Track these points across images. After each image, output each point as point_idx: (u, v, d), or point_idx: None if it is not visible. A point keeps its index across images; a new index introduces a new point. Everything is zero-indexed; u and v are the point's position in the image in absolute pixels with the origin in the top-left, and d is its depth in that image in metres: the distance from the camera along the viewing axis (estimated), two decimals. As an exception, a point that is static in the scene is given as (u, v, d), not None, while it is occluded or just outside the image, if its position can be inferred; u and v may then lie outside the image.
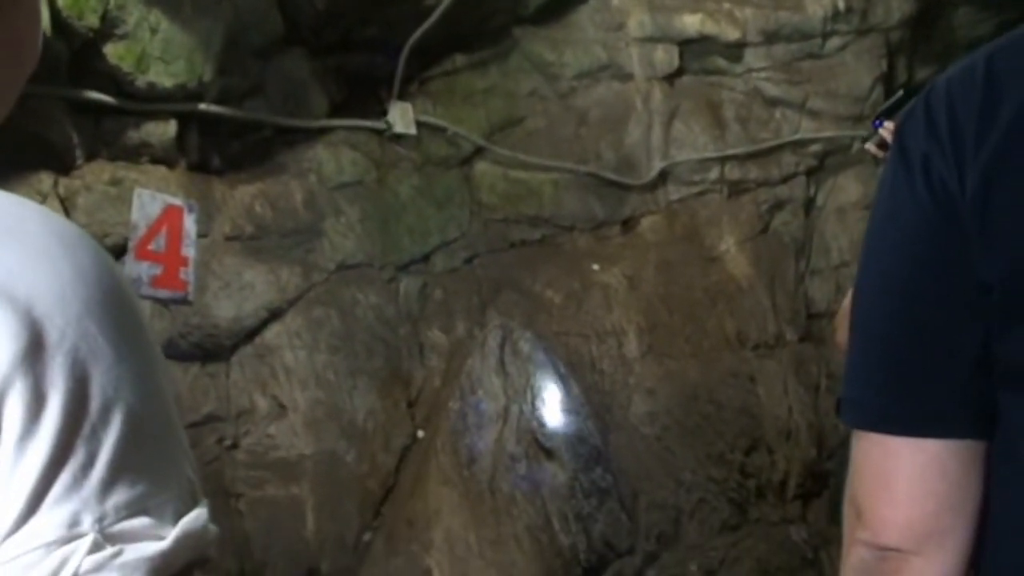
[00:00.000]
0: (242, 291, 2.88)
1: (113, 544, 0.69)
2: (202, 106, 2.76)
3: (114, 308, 0.75)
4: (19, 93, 0.92)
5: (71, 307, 0.72)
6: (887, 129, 2.77)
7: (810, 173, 4.04)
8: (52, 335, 0.71)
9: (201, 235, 2.79)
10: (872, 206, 1.28)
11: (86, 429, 0.71)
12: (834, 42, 4.04)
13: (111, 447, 0.71)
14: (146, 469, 0.73)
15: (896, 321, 1.20)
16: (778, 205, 3.95)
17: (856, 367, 1.23)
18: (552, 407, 3.13)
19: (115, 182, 2.63)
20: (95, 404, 0.72)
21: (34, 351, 0.70)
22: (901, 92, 3.49)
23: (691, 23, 3.81)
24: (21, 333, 0.70)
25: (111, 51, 2.51)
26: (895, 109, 3.35)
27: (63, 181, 2.62)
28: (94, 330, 0.73)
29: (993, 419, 1.17)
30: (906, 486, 1.16)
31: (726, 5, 3.87)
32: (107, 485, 0.70)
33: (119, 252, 2.61)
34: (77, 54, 2.50)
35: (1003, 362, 1.14)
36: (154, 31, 2.55)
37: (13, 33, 0.89)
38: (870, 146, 2.85)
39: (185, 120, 2.75)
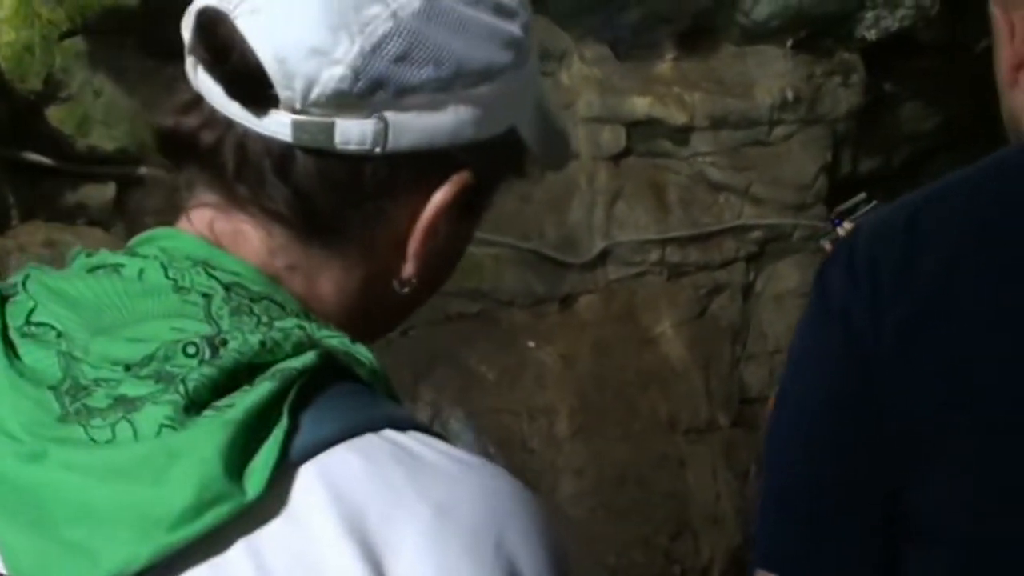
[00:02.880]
0: (173, 356, 2.87)
1: None
2: (142, 170, 2.75)
3: None
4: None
5: None
6: (845, 229, 2.79)
7: (750, 259, 4.07)
8: None
9: (135, 297, 2.78)
10: (790, 346, 1.29)
11: None
12: (780, 130, 4.07)
13: None
14: None
15: (806, 472, 1.22)
16: (716, 289, 3.98)
17: (768, 509, 1.25)
18: (478, 488, 3.13)
19: (49, 244, 2.62)
20: None
21: None
22: (863, 195, 3.53)
23: (640, 105, 3.83)
24: None
25: (52, 114, 2.51)
26: (855, 210, 3.37)
27: (-4, 241, 2.62)
28: None
29: (895, 570, 1.18)
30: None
31: (675, 89, 3.91)
32: None
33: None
34: (17, 116, 2.50)
35: (905, 516, 1.16)
36: (98, 95, 2.55)
37: (431, 260, 0.97)
38: (824, 242, 2.86)
39: (124, 183, 2.75)
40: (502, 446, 3.27)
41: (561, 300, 3.73)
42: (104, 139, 2.59)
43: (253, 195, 0.91)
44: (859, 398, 1.14)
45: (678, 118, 3.89)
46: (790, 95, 4.02)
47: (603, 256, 3.80)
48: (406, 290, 0.97)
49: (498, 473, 0.86)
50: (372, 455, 0.81)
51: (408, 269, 0.96)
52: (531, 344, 3.53)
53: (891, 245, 1.16)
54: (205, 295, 0.87)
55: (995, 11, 1.25)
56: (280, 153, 0.90)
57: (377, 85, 0.89)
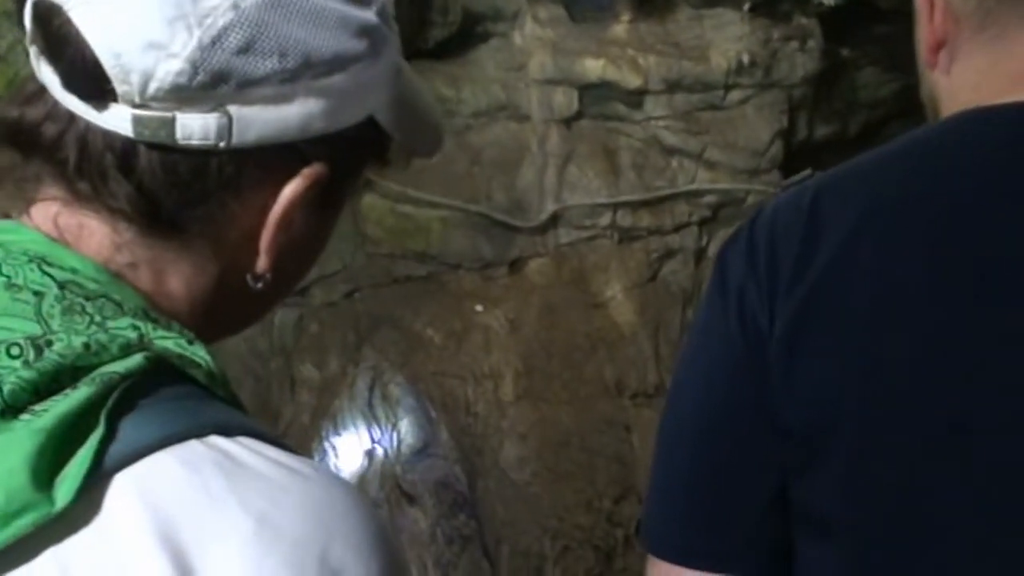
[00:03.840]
0: (110, 316, 2.84)
1: None
2: (78, 129, 2.72)
3: None
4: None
5: None
6: None
7: (703, 224, 4.06)
8: None
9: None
10: (690, 325, 1.28)
11: None
12: (736, 95, 4.05)
13: None
14: None
15: (695, 458, 1.20)
16: (668, 254, 3.97)
17: (657, 495, 1.23)
18: (417, 453, 3.12)
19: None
20: None
21: None
22: (809, 171, 3.53)
23: (593, 68, 3.81)
24: None
25: (-20, 73, 2.47)
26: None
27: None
28: None
29: (788, 558, 1.17)
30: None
31: (630, 52, 3.88)
32: None
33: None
34: (-57, 75, 2.47)
35: (797, 508, 1.15)
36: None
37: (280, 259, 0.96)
38: None
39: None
40: (446, 410, 3.26)
41: (510, 264, 3.71)
42: (36, 99, 2.55)
43: (95, 191, 0.89)
44: (750, 384, 1.13)
45: (632, 81, 3.86)
46: (746, 59, 4.00)
47: (553, 219, 3.78)
48: (260, 285, 0.95)
49: (331, 482, 0.84)
50: (193, 462, 0.79)
51: (261, 264, 0.94)
52: (478, 308, 3.51)
53: (790, 228, 1.14)
54: (37, 293, 0.84)
55: None
56: (122, 148, 0.88)
57: (218, 78, 0.87)
